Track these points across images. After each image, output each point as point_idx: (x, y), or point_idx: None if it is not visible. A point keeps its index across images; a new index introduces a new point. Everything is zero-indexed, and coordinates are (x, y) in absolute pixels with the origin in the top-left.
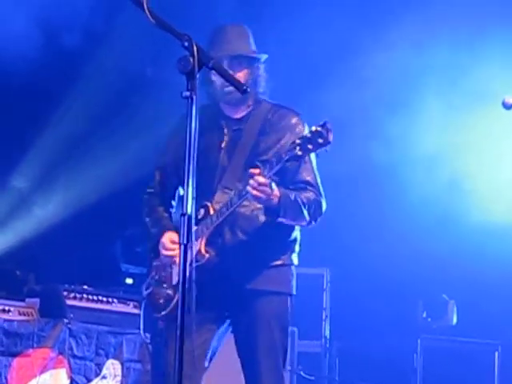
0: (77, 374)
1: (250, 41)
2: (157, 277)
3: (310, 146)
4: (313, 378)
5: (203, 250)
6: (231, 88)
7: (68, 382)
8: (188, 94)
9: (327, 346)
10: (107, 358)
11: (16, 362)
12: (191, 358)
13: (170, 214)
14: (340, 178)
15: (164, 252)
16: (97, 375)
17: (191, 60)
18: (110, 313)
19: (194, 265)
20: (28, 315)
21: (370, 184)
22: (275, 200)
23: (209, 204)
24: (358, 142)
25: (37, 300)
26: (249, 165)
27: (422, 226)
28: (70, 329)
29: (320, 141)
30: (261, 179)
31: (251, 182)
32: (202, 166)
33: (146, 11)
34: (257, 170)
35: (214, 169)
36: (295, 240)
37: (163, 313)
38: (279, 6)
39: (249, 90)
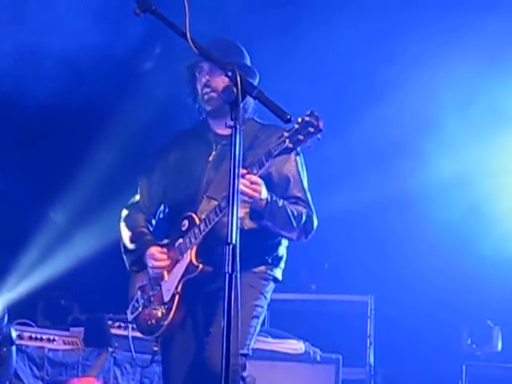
0: None
1: (242, 56)
2: (144, 297)
3: (300, 137)
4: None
5: (195, 261)
6: (211, 94)
7: None
8: (232, 123)
9: (372, 373)
10: None
11: None
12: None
13: (151, 232)
14: (375, 205)
15: (154, 263)
16: None
17: (235, 90)
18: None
19: (185, 278)
20: (72, 344)
21: (408, 210)
22: (263, 202)
23: (193, 214)
24: (392, 167)
25: (81, 329)
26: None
27: (466, 250)
28: (114, 358)
29: (311, 130)
30: (253, 177)
31: (243, 180)
32: (187, 178)
33: (190, 42)
34: (245, 171)
35: (200, 181)
36: (282, 256)
37: (157, 334)
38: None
39: (292, 119)
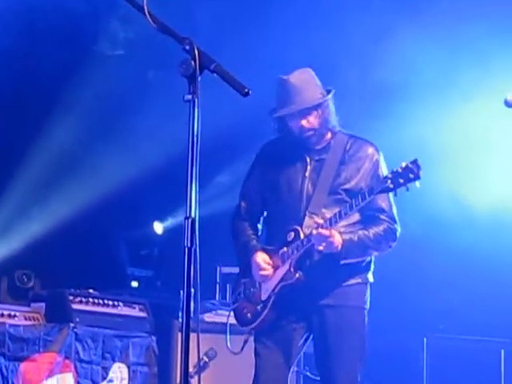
0: (83, 378)
1: (314, 85)
2: (246, 292)
3: (401, 180)
4: (319, 378)
5: (293, 270)
6: (310, 133)
7: None
8: (190, 97)
9: None
10: (114, 362)
11: (22, 366)
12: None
13: (257, 237)
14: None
15: (260, 272)
16: (103, 379)
17: (193, 63)
18: (115, 316)
19: (282, 283)
20: (34, 320)
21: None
22: (339, 247)
23: (299, 228)
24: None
25: (42, 305)
26: (332, 193)
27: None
28: (76, 333)
29: (411, 176)
30: (325, 232)
31: (317, 236)
32: (287, 193)
33: (147, 15)
34: (321, 221)
35: (300, 196)
36: (370, 260)
37: (251, 326)
38: None
39: (250, 93)
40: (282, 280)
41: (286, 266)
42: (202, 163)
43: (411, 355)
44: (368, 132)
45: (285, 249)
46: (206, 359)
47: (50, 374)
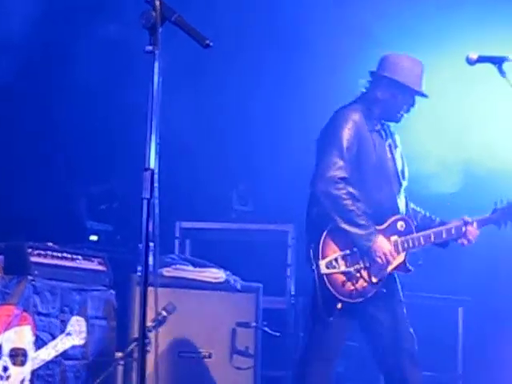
0: (41, 331)
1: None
2: (348, 265)
3: (504, 216)
4: (278, 334)
5: (408, 264)
6: (404, 113)
7: (33, 338)
8: (150, 48)
9: (292, 302)
10: (72, 315)
11: None
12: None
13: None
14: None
15: (384, 257)
16: (61, 332)
17: (153, 14)
18: (74, 270)
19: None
20: None
21: None
22: None
23: (409, 220)
24: None
25: (1, 257)
26: (402, 173)
27: None
28: (34, 286)
29: None
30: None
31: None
32: (380, 173)
33: None
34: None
35: (389, 177)
36: None
37: (354, 300)
38: None
39: (211, 44)
40: (395, 269)
41: (402, 258)
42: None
43: None
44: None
45: (396, 238)
46: (164, 313)
47: (8, 327)
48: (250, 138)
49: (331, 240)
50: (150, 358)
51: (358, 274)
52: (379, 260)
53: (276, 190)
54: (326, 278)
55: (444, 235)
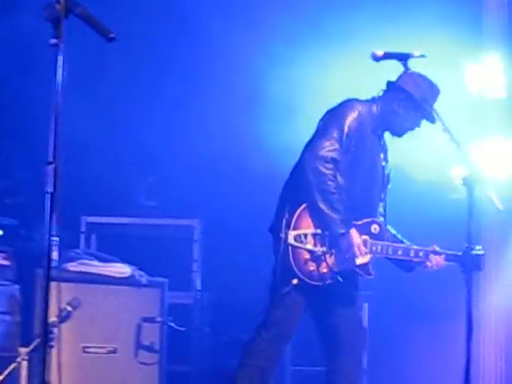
0: None
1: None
2: (317, 247)
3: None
4: (183, 329)
5: (371, 269)
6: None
7: None
8: (55, 41)
9: (198, 297)
10: None
11: None
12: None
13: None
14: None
15: (357, 250)
16: None
17: (57, 6)
18: None
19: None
20: None
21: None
22: None
23: (383, 225)
24: None
25: None
26: (388, 179)
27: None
28: None
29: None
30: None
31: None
32: (371, 173)
33: None
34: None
35: (378, 180)
36: None
37: (313, 282)
38: None
39: (115, 37)
40: (357, 267)
41: (367, 259)
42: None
43: None
44: None
45: (367, 238)
46: (69, 308)
47: None
48: (157, 132)
49: (308, 215)
50: (55, 354)
51: (323, 258)
52: (346, 250)
53: (183, 186)
54: (290, 250)
55: (412, 254)
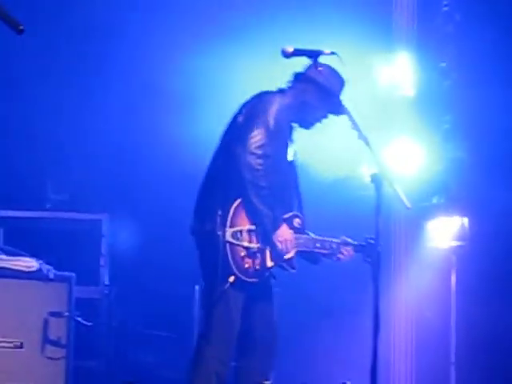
0: None
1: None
2: (252, 244)
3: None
4: (91, 324)
5: (294, 263)
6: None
7: None
8: None
9: (106, 292)
10: None
11: None
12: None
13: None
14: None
15: (284, 246)
16: None
17: None
18: None
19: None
20: None
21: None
22: None
23: (301, 220)
24: None
25: None
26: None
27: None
28: None
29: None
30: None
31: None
32: (288, 172)
33: None
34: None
35: (294, 174)
36: None
37: (249, 279)
38: None
39: (24, 30)
40: (285, 261)
41: (292, 253)
42: None
43: (184, 303)
44: None
45: (296, 235)
46: None
47: None
48: (66, 125)
49: (243, 211)
50: None
51: (258, 254)
52: (279, 245)
53: (91, 180)
54: (228, 247)
55: (327, 246)
